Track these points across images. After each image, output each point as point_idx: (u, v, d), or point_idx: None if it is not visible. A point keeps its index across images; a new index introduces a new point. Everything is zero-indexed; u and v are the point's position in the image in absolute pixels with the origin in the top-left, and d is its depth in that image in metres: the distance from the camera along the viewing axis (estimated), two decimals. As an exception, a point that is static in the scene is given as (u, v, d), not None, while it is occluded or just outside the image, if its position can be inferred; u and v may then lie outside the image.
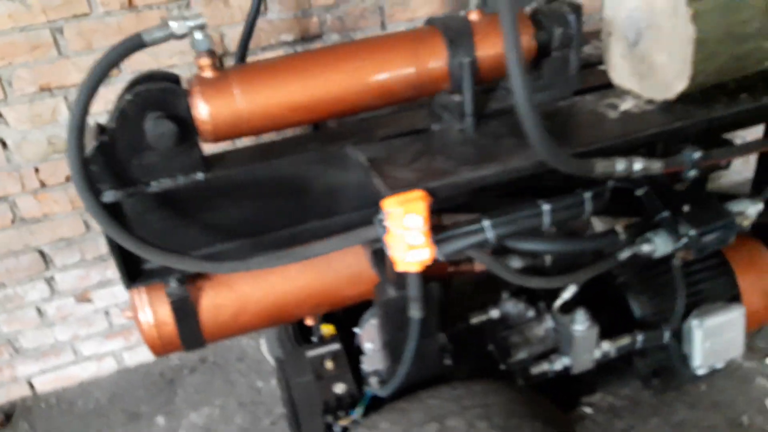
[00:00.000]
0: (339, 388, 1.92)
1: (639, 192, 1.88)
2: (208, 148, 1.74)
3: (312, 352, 1.99)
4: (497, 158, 1.59)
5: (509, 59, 1.35)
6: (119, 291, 2.75)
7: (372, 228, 1.58)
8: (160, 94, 1.54)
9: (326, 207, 1.81)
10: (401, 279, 1.62)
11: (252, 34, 2.19)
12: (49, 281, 2.68)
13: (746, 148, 1.87)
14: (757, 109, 1.69)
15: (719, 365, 2.25)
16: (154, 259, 1.61)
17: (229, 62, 2.48)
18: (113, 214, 1.61)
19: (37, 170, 2.45)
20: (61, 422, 2.78)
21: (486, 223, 1.65)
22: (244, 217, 1.77)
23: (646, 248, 1.89)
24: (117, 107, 1.55)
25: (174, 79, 1.62)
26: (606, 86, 1.86)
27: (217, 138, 1.62)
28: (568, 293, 2.05)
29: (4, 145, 2.38)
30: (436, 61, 1.66)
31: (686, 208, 1.90)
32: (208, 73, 1.59)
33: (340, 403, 1.91)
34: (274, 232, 1.81)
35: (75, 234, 2.60)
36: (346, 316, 2.08)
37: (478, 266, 2.01)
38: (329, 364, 1.97)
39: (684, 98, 1.68)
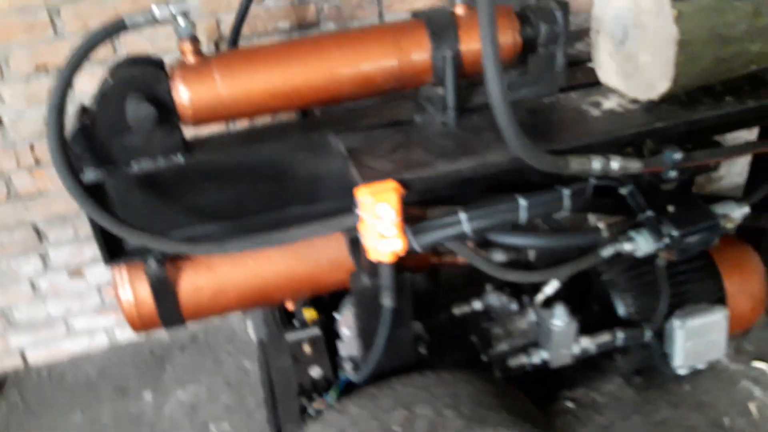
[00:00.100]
0: (315, 372, 1.94)
1: (623, 191, 1.89)
2: (205, 130, 1.77)
3: (291, 336, 2.01)
4: (475, 152, 1.60)
5: (485, 54, 1.36)
6: (112, 268, 2.78)
7: (348, 217, 1.60)
8: (141, 77, 1.57)
9: (308, 193, 1.82)
10: (375, 268, 1.63)
11: (244, 21, 2.20)
12: (43, 256, 2.72)
13: (730, 151, 1.86)
14: (741, 113, 1.68)
15: (701, 366, 2.26)
16: (130, 238, 1.64)
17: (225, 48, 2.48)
18: (96, 194, 1.65)
19: (32, 147, 2.48)
20: (51, 394, 2.82)
21: (462, 215, 1.66)
22: (226, 200, 1.79)
23: (628, 247, 1.89)
24: (99, 89, 1.57)
25: (157, 64, 1.64)
26: (593, 84, 1.86)
27: (197, 122, 1.64)
28: (550, 288, 2.06)
29: (1, 122, 2.41)
30: (419, 53, 1.67)
31: (671, 208, 1.90)
32: (191, 58, 1.61)
33: (315, 387, 1.93)
34: (256, 216, 1.83)
35: (69, 211, 2.63)
36: (332, 301, 2.10)
37: (461, 258, 2.02)
38: (307, 348, 1.98)
39: (668, 99, 1.68)
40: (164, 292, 1.81)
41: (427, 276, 2.57)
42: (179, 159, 1.67)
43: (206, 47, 2.41)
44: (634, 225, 1.91)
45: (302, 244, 1.86)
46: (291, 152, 1.74)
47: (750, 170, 2.30)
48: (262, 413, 2.42)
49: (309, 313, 2.16)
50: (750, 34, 1.59)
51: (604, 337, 2.09)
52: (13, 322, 2.83)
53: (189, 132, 1.81)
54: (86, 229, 2.65)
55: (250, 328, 2.44)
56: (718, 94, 1.73)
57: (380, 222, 1.49)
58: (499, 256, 2.00)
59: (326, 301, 2.20)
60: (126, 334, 3.00)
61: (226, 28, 2.46)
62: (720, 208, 2.00)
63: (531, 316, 2.18)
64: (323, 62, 1.64)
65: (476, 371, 1.87)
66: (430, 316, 2.29)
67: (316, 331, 2.06)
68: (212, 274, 1.86)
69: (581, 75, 1.90)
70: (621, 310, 2.16)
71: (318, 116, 1.98)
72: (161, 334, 2.99)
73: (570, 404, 2.55)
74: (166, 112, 1.59)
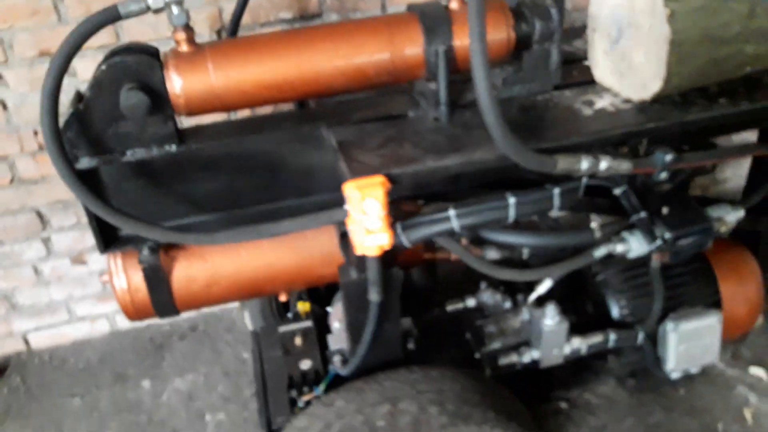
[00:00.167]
0: (305, 365, 1.96)
1: (617, 191, 1.88)
2: (206, 119, 1.78)
3: (284, 328, 2.03)
4: (464, 149, 1.60)
5: (472, 49, 1.36)
6: (114, 255, 2.80)
7: (337, 210, 1.60)
8: (134, 65, 1.58)
9: (302, 186, 1.83)
10: (363, 262, 1.64)
11: (244, 10, 2.21)
12: (46, 241, 2.75)
13: (723, 153, 1.84)
14: (735, 115, 1.67)
15: (694, 370, 2.24)
16: (122, 226, 1.65)
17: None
18: (91, 181, 1.67)
19: (36, 133, 2.50)
20: (52, 378, 2.85)
21: (451, 212, 1.66)
22: (219, 190, 1.80)
23: (620, 248, 1.89)
24: (93, 76, 1.59)
25: (152, 53, 1.64)
26: (589, 83, 1.85)
27: (190, 112, 1.65)
28: (543, 287, 2.06)
29: (5, 106, 2.44)
30: (412, 47, 1.67)
31: (665, 210, 1.90)
32: (184, 48, 1.62)
33: (305, 379, 1.94)
34: (249, 207, 1.84)
35: (71, 197, 2.63)
36: (328, 295, 2.11)
37: (454, 255, 2.02)
38: (298, 341, 2.00)
39: (662, 99, 1.67)
40: (157, 280, 1.83)
41: (424, 272, 2.59)
42: (172, 148, 1.68)
43: (208, 36, 2.46)
44: (627, 226, 1.90)
45: (294, 236, 1.87)
46: (283, 144, 1.75)
47: (749, 174, 2.28)
48: (257, 404, 2.45)
49: (303, 306, 2.18)
50: (744, 36, 1.58)
51: (596, 338, 2.08)
52: (16, 306, 2.87)
53: (192, 121, 1.83)
54: (88, 216, 2.70)
55: (246, 318, 2.45)
56: (713, 95, 1.71)
57: (366, 217, 1.50)
58: (493, 254, 2.00)
59: (323, 295, 2.22)
60: (127, 321, 3.02)
61: (228, 17, 2.46)
62: (715, 211, 1.99)
63: (524, 314, 2.18)
64: (316, 54, 1.64)
65: (464, 368, 1.87)
66: (425, 312, 2.30)
67: (308, 323, 2.07)
68: (205, 265, 1.87)
69: (577, 73, 1.89)
70: (615, 311, 2.15)
71: (314, 108, 1.98)
72: (162, 321, 3.01)
73: (564, 405, 2.55)
74: (159, 101, 1.60)
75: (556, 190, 1.68)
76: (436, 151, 1.60)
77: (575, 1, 2.65)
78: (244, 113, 2.43)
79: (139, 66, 1.58)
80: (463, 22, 1.67)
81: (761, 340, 2.71)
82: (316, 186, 1.82)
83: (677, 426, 2.43)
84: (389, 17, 1.72)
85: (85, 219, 2.68)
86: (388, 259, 1.63)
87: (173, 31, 1.61)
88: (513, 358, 2.09)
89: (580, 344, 2.08)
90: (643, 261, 1.98)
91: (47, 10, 2.31)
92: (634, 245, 1.88)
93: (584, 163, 1.54)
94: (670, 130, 1.64)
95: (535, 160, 1.48)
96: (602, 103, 1.74)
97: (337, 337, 1.93)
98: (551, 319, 2.01)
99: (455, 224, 1.66)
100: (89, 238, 2.77)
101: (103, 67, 1.57)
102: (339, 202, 1.63)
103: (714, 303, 2.19)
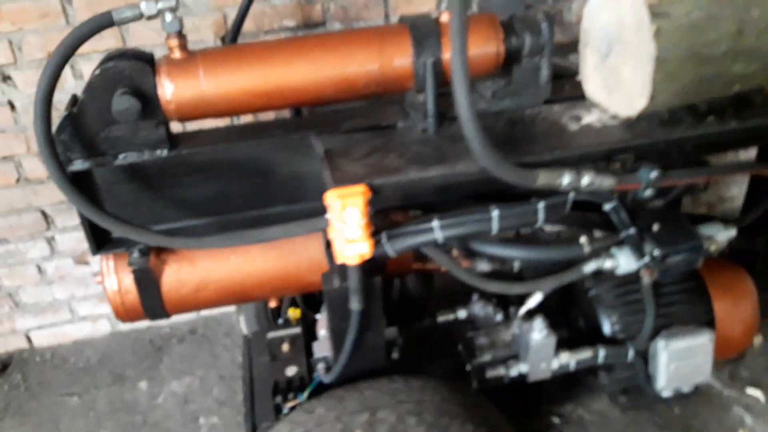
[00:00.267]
0: (291, 371, 1.97)
1: (606, 207, 1.87)
2: (207, 124, 1.81)
3: (272, 334, 2.04)
4: (448, 161, 1.61)
5: (453, 62, 1.37)
6: (116, 257, 2.84)
7: (321, 219, 1.62)
8: (127, 71, 1.61)
9: (292, 193, 1.85)
10: (345, 270, 1.65)
11: (245, 18, 2.24)
12: (50, 241, 2.79)
13: (710, 171, 1.83)
14: (722, 134, 1.66)
15: (686, 389, 2.22)
16: (110, 228, 1.68)
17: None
18: (85, 183, 1.70)
19: (42, 133, 2.55)
20: (52, 376, 2.90)
21: (435, 223, 1.67)
22: (211, 195, 1.83)
23: (609, 263, 1.88)
24: (88, 81, 1.62)
25: (147, 59, 1.67)
26: (579, 97, 1.85)
27: (181, 117, 1.68)
28: (533, 301, 2.06)
29: (13, 107, 2.49)
30: (401, 59, 1.68)
31: (656, 227, 1.89)
32: (177, 54, 1.64)
33: (290, 386, 1.95)
34: (240, 212, 1.87)
35: (75, 198, 2.70)
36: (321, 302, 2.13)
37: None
38: (285, 347, 2.01)
39: (650, 116, 1.66)
40: (147, 283, 1.86)
41: (420, 282, 2.59)
42: (163, 153, 1.71)
43: (213, 42, 2.49)
44: (617, 242, 1.89)
45: (283, 243, 1.89)
46: (273, 151, 1.78)
47: (747, 193, 2.26)
48: (250, 409, 2.46)
49: (294, 313, 2.20)
50: (732, 54, 1.57)
51: (585, 354, 2.07)
52: (19, 303, 2.92)
53: (192, 125, 1.86)
54: (91, 217, 2.74)
55: (242, 323, 2.48)
56: (701, 113, 1.71)
57: (347, 226, 1.51)
58: (484, 266, 2.00)
59: (319, 302, 2.23)
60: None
61: (233, 23, 2.51)
62: (706, 230, 1.98)
63: (515, 328, 2.17)
64: (305, 64, 1.66)
65: (450, 380, 1.87)
66: (417, 322, 2.31)
67: (296, 330, 2.09)
68: (194, 269, 1.89)
69: (569, 88, 1.89)
70: (606, 327, 2.13)
71: (307, 116, 2.00)
72: (162, 324, 3.05)
73: (557, 420, 2.54)
74: (151, 106, 1.63)
75: (541, 204, 1.68)
76: (420, 162, 1.61)
77: (576, 16, 2.66)
78: (247, 118, 2.46)
79: (132, 71, 1.61)
80: (452, 35, 1.68)
81: (760, 362, 2.68)
82: (306, 193, 1.84)
83: (670, 445, 2.41)
84: (380, 28, 1.74)
85: (88, 220, 2.76)
86: (370, 268, 1.64)
87: (166, 38, 1.64)
88: (500, 371, 2.08)
89: (568, 359, 2.07)
90: (636, 277, 1.98)
91: (56, 12, 2.36)
92: (623, 261, 1.88)
93: (566, 178, 1.54)
94: (655, 147, 1.64)
95: (515, 173, 1.48)
96: (589, 118, 1.75)
97: (323, 345, 1.94)
98: (539, 332, 2.00)
99: (438, 235, 1.67)
100: (92, 239, 2.82)
101: (97, 71, 1.61)
102: (325, 210, 1.65)
103: (707, 322, 2.16)
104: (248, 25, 2.47)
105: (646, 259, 1.85)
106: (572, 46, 2.17)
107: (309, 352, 2.02)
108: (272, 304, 2.09)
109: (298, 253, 1.92)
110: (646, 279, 2.00)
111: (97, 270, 2.87)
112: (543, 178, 1.51)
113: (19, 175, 2.62)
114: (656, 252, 1.85)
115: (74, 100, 1.71)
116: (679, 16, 1.53)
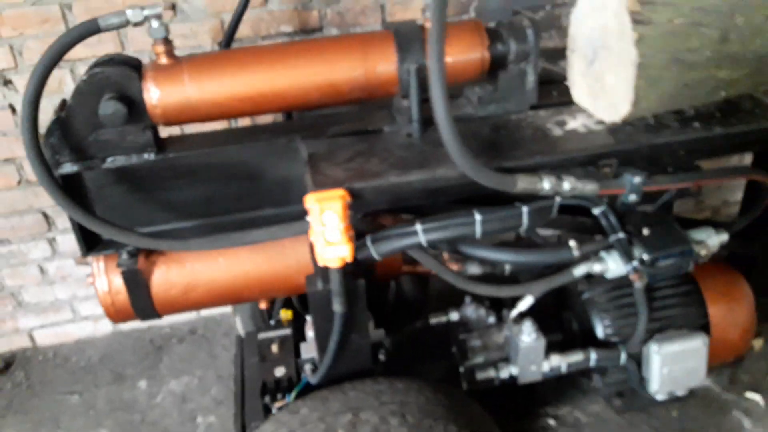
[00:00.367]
0: (279, 372, 1.98)
1: (596, 211, 1.87)
2: (208, 127, 1.82)
3: (263, 335, 2.06)
4: (429, 165, 1.61)
5: (430, 67, 1.38)
6: (117, 258, 2.88)
7: (302, 222, 1.63)
8: (114, 76, 1.63)
9: (279, 196, 1.87)
10: (327, 273, 1.66)
11: (239, 23, 2.26)
12: (51, 242, 2.83)
13: (695, 177, 1.81)
14: (706, 140, 1.65)
15: (680, 393, 2.20)
16: (97, 230, 1.70)
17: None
18: (74, 186, 1.73)
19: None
20: (54, 375, 2.94)
21: (418, 226, 1.68)
22: (198, 198, 1.86)
23: (597, 267, 1.88)
24: (76, 86, 1.65)
25: (134, 64, 1.70)
26: (566, 103, 1.85)
27: (167, 122, 1.70)
28: (524, 304, 2.05)
29: (14, 110, 2.53)
30: (385, 65, 1.70)
31: (646, 231, 1.88)
32: (163, 60, 1.67)
33: (279, 386, 1.97)
34: (229, 215, 1.89)
35: (76, 199, 2.73)
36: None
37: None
38: (275, 348, 2.03)
39: (635, 122, 1.66)
40: (136, 284, 1.88)
41: (415, 285, 2.60)
42: (151, 156, 1.73)
43: (210, 47, 2.51)
44: (606, 246, 1.89)
45: (271, 245, 1.91)
46: (260, 155, 1.80)
47: (743, 198, 2.25)
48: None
49: (285, 314, 2.21)
50: (716, 61, 1.56)
51: (576, 357, 2.07)
52: (22, 303, 2.96)
53: (190, 129, 1.87)
54: (91, 218, 2.77)
55: (238, 323, 2.50)
56: (687, 119, 1.70)
57: (326, 228, 1.52)
58: (475, 269, 2.00)
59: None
60: (129, 322, 3.10)
61: (232, 29, 2.53)
62: (697, 234, 1.96)
63: (507, 330, 2.17)
64: (290, 69, 1.68)
65: (432, 382, 1.87)
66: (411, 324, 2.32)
67: (286, 331, 2.11)
68: (183, 270, 1.92)
69: (557, 93, 1.89)
70: (599, 330, 2.13)
71: (295, 120, 2.02)
72: (162, 323, 3.08)
73: (552, 422, 2.53)
74: (138, 111, 1.66)
75: (525, 209, 1.69)
76: (401, 166, 1.62)
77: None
78: (244, 122, 2.48)
79: (119, 77, 1.64)
80: (436, 40, 1.69)
81: (760, 366, 2.66)
82: (293, 196, 1.85)
83: (666, 448, 2.40)
84: (365, 35, 1.75)
85: (89, 221, 2.80)
86: (353, 270, 1.65)
87: (153, 44, 1.66)
88: (491, 373, 2.08)
89: (559, 362, 2.07)
90: (630, 281, 1.97)
91: (56, 18, 2.40)
92: (612, 265, 1.87)
93: (546, 183, 1.54)
94: (638, 152, 1.64)
95: (494, 178, 1.49)
96: (574, 124, 1.75)
97: (310, 346, 1.95)
98: (528, 335, 2.00)
99: (422, 238, 1.68)
100: (93, 240, 2.86)
101: (85, 77, 1.63)
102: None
103: (702, 326, 2.15)
104: (245, 30, 2.49)
105: (635, 263, 1.85)
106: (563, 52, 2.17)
107: (298, 353, 2.03)
108: (262, 305, 2.11)
109: (286, 255, 1.94)
110: (637, 283, 2.00)
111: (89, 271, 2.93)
112: (522, 183, 1.52)
113: (20, 177, 2.66)
114: (645, 256, 1.84)
115: (63, 104, 1.73)
116: (661, 22, 1.53)
